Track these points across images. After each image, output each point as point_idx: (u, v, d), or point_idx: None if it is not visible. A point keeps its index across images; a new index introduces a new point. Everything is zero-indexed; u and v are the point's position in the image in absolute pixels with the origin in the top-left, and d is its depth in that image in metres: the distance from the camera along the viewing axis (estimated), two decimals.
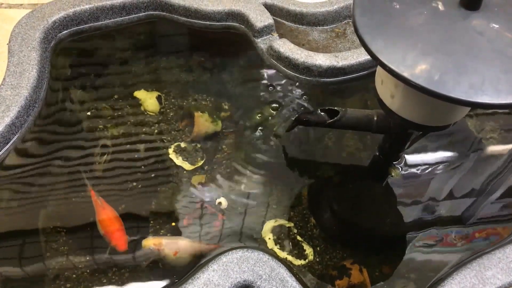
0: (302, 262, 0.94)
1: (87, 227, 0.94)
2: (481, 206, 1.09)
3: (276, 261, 0.86)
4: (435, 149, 1.18)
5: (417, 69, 0.68)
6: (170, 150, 1.08)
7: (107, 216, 0.95)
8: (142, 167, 1.05)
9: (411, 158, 1.14)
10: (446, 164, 1.15)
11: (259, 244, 0.95)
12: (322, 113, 1.03)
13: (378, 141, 1.12)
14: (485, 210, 1.08)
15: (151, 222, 0.96)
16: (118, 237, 0.92)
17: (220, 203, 0.98)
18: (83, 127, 1.11)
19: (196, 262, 0.91)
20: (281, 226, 0.98)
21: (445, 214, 1.06)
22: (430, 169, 1.13)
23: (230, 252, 0.87)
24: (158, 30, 1.37)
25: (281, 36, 1.33)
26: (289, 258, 0.94)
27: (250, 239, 0.96)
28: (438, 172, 1.13)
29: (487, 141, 1.21)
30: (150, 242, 0.93)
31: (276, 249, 0.94)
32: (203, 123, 1.14)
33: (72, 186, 1.00)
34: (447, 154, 1.18)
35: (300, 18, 1.40)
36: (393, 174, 1.09)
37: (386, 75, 0.81)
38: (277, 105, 1.20)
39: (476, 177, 1.14)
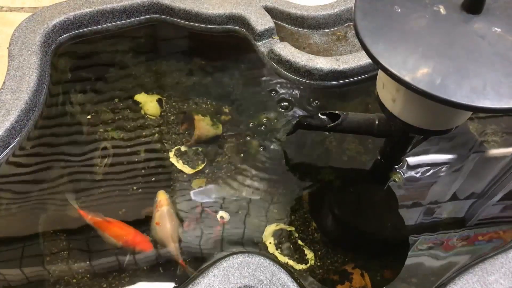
0: (303, 266, 0.93)
1: (88, 231, 0.94)
2: (483, 210, 1.08)
3: (277, 266, 0.86)
4: (436, 152, 1.18)
5: (419, 73, 0.68)
6: (171, 154, 1.08)
7: (117, 227, 0.94)
8: (143, 170, 1.05)
9: (412, 162, 1.13)
10: (447, 168, 1.14)
11: (260, 248, 0.94)
12: (323, 117, 1.03)
13: (380, 145, 1.11)
14: (487, 213, 1.08)
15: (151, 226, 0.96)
16: (141, 241, 0.92)
17: (222, 217, 0.97)
18: (83, 131, 1.11)
19: (158, 252, 0.92)
20: (282, 230, 0.98)
21: (447, 218, 1.05)
22: (431, 172, 1.12)
23: (230, 257, 0.86)
24: (159, 33, 1.37)
25: (281, 39, 1.33)
26: (290, 262, 0.93)
27: (251, 243, 0.95)
28: (439, 175, 1.12)
29: (488, 144, 1.21)
30: (160, 196, 0.98)
31: (277, 253, 0.94)
32: (204, 126, 1.13)
33: (72, 190, 1.00)
34: (449, 157, 1.18)
35: (301, 21, 1.40)
36: (396, 180, 1.09)
37: (388, 79, 0.81)
38: (277, 109, 1.20)
39: (478, 180, 1.14)
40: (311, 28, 1.41)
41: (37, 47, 1.16)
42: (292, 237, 0.97)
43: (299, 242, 0.97)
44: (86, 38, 1.30)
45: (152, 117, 1.15)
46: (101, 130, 1.11)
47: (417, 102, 0.80)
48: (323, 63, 1.23)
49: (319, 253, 0.95)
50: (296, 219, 1.00)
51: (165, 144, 1.10)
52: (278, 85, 1.25)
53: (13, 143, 1.03)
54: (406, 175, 1.10)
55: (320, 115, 1.03)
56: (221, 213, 0.98)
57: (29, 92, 1.06)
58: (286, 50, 1.26)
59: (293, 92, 1.24)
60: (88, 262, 0.90)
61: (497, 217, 1.08)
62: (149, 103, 1.17)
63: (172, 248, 0.92)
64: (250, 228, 0.98)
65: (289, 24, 1.41)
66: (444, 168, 1.14)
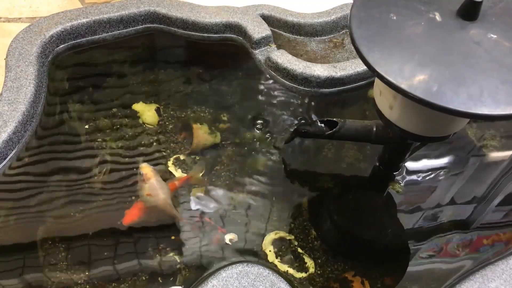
0: (303, 274, 0.93)
1: (86, 242, 0.93)
2: (483, 215, 1.08)
3: (277, 275, 0.85)
4: (435, 158, 1.18)
5: (415, 81, 0.68)
6: (169, 163, 1.08)
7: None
8: None
9: (411, 168, 1.13)
10: (446, 173, 1.14)
11: (259, 257, 0.94)
12: (321, 125, 1.03)
13: (378, 151, 1.11)
14: (487, 218, 1.08)
15: (150, 235, 0.96)
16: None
17: (231, 239, 0.97)
18: (81, 141, 1.11)
19: (153, 217, 0.98)
20: (281, 238, 0.98)
21: (446, 224, 1.05)
22: (430, 178, 1.12)
23: (229, 267, 0.86)
24: (156, 42, 1.37)
25: (279, 47, 1.33)
26: (290, 271, 0.93)
27: (251, 252, 0.95)
28: (438, 181, 1.12)
29: (487, 148, 1.21)
30: (145, 170, 1.01)
31: (276, 262, 0.94)
32: (202, 135, 1.13)
33: (71, 201, 1.00)
34: (448, 162, 1.17)
35: (297, 28, 1.40)
36: (398, 190, 1.08)
37: (384, 87, 0.81)
38: (275, 117, 1.20)
39: (477, 185, 1.14)
40: (308, 36, 1.41)
41: (34, 58, 1.16)
42: (292, 245, 0.97)
43: (299, 250, 0.96)
44: (83, 48, 1.30)
45: (150, 126, 1.15)
46: (99, 139, 1.11)
47: (414, 109, 0.80)
48: (320, 70, 1.23)
49: (319, 261, 0.95)
50: (296, 227, 1.00)
51: (164, 153, 1.10)
52: (275, 93, 1.26)
53: (11, 155, 1.03)
54: (405, 181, 1.10)
55: (317, 123, 1.03)
56: (229, 235, 0.97)
57: (27, 103, 1.06)
58: (283, 58, 1.26)
59: (290, 100, 1.24)
60: (87, 273, 0.89)
61: (497, 222, 1.08)
62: (147, 112, 1.17)
63: (172, 212, 0.98)
64: (250, 236, 0.98)
65: (286, 31, 1.42)
66: (442, 174, 1.14)
